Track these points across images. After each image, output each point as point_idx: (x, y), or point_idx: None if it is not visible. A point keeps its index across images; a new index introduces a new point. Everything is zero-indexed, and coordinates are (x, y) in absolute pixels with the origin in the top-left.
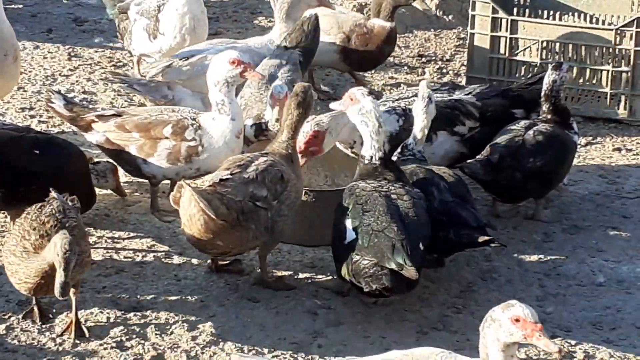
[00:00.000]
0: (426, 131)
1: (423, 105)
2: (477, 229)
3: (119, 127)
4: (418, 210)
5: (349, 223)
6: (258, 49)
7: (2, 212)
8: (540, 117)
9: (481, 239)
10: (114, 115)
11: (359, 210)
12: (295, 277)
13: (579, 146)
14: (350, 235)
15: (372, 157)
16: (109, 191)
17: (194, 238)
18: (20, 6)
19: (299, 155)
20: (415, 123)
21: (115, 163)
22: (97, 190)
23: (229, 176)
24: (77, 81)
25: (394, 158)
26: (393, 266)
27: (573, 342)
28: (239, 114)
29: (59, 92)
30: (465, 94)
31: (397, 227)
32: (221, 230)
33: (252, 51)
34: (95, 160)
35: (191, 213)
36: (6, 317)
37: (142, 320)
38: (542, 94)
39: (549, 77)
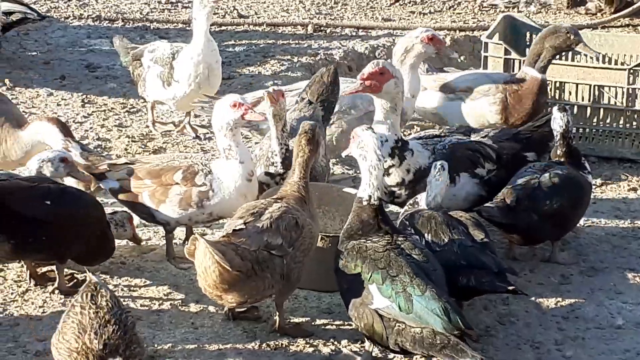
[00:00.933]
0: (439, 199)
1: (436, 172)
2: (498, 275)
3: (131, 174)
4: (432, 261)
5: (373, 288)
6: None
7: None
8: (554, 160)
9: (503, 287)
10: (126, 163)
11: (384, 275)
12: (313, 323)
13: (594, 186)
14: (380, 301)
15: (370, 197)
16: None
17: (210, 289)
18: (34, 53)
19: (358, 82)
20: (429, 190)
21: (130, 211)
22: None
23: (243, 226)
24: (91, 128)
25: (409, 205)
26: (454, 332)
27: None
28: (247, 157)
29: (76, 140)
30: (481, 137)
31: (433, 286)
32: (236, 281)
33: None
34: (112, 210)
35: (206, 265)
36: None
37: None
38: (558, 136)
39: (562, 119)
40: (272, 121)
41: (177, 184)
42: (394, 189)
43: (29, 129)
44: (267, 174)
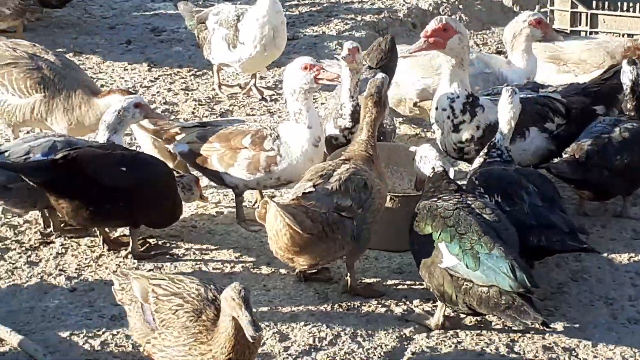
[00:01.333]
0: (513, 124)
1: (507, 96)
2: (569, 234)
3: (200, 138)
4: (503, 221)
5: (442, 246)
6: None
7: (92, 231)
8: (624, 114)
9: (575, 246)
10: (196, 126)
11: (453, 233)
12: (384, 283)
13: None
14: (448, 260)
15: (433, 168)
16: (195, 202)
17: (281, 252)
18: (99, 18)
19: (422, 40)
20: (501, 117)
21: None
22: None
23: (312, 189)
24: (158, 92)
25: (480, 159)
26: (519, 289)
27: None
28: (317, 122)
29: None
30: (550, 92)
31: (502, 243)
32: (308, 243)
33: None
34: (180, 173)
35: (277, 228)
36: (100, 332)
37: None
38: (627, 90)
39: (632, 72)
40: (347, 74)
41: (245, 148)
42: (462, 145)
43: (106, 98)
44: (335, 127)
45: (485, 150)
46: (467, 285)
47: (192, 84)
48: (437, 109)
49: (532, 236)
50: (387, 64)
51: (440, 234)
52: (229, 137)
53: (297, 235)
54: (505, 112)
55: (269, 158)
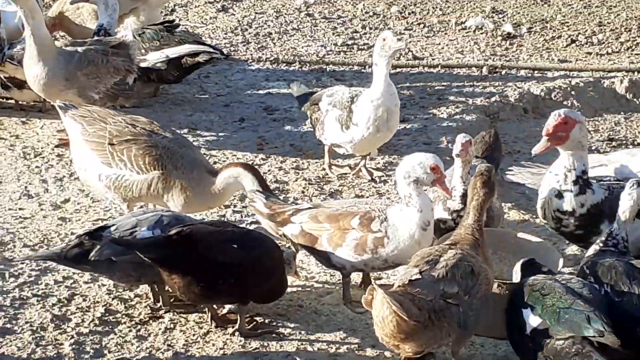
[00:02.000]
0: (629, 215)
1: (629, 187)
2: None
3: (312, 218)
4: (592, 290)
5: (527, 312)
6: None
7: (200, 307)
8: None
9: None
10: (309, 208)
11: (537, 296)
12: None
13: None
14: (531, 323)
15: None
16: (302, 281)
17: (387, 338)
18: (215, 95)
19: (544, 140)
20: (620, 206)
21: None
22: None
23: (419, 276)
24: (269, 170)
25: (596, 247)
26: (592, 333)
27: None
28: (428, 206)
29: (260, 191)
30: None
31: (583, 301)
32: (414, 331)
33: None
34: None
35: (384, 315)
36: None
37: None
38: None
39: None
40: (459, 164)
41: (353, 229)
42: (562, 216)
43: (222, 174)
44: (444, 209)
45: (602, 237)
46: (547, 342)
47: (302, 163)
48: (549, 172)
49: None
50: (492, 154)
51: (525, 301)
52: (338, 218)
53: (403, 322)
54: (625, 202)
55: (377, 240)
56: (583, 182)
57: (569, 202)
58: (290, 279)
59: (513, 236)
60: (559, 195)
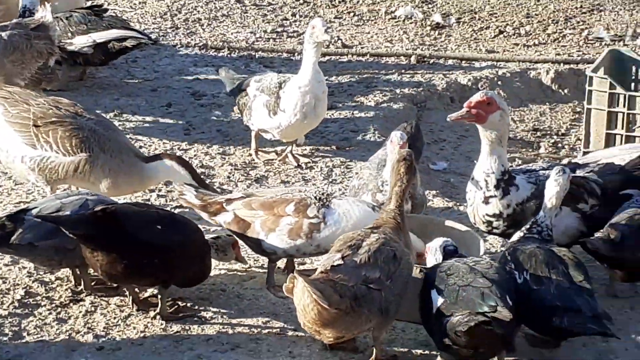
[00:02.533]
0: (555, 202)
1: (555, 174)
2: (592, 318)
3: (245, 205)
4: (498, 270)
5: (434, 293)
6: None
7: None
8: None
9: (595, 329)
10: (241, 197)
11: (443, 276)
12: (409, 355)
13: None
14: (436, 301)
15: None
16: (226, 266)
17: (309, 324)
18: (142, 80)
19: (464, 110)
20: (546, 194)
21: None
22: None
23: (341, 262)
24: (195, 155)
25: (520, 234)
26: (485, 309)
27: None
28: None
29: (189, 184)
30: (586, 173)
31: (482, 279)
32: (335, 318)
33: None
34: (216, 235)
35: (305, 303)
36: None
37: None
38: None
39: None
40: (392, 157)
41: (288, 215)
42: (491, 219)
43: (154, 163)
44: (373, 201)
45: (527, 225)
46: (447, 320)
47: (229, 149)
48: (472, 179)
49: (556, 317)
50: (414, 143)
51: (435, 282)
52: (272, 205)
53: (324, 310)
54: (551, 189)
55: (312, 225)
56: (505, 183)
57: (495, 206)
58: (215, 263)
59: (437, 223)
60: (485, 201)
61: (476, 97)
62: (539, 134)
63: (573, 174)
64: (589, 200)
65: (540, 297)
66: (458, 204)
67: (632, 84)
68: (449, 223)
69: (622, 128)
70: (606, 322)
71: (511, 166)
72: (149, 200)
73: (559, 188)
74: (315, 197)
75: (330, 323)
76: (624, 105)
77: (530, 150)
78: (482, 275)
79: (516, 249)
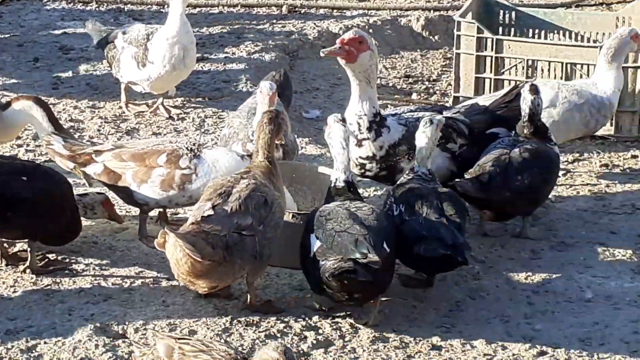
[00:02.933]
0: (425, 153)
1: (423, 125)
2: (450, 246)
3: (116, 156)
4: (379, 216)
5: (312, 236)
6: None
7: None
8: (522, 135)
9: (441, 252)
10: (111, 149)
11: (322, 220)
12: (284, 299)
13: (567, 163)
14: (314, 245)
15: (336, 180)
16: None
17: (183, 276)
18: (7, 35)
19: (337, 45)
20: (417, 144)
21: (107, 194)
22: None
23: (212, 212)
24: (64, 109)
25: (405, 177)
26: (357, 256)
27: (562, 359)
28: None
29: (56, 133)
30: (453, 114)
31: (359, 226)
32: (208, 269)
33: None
34: (83, 191)
35: (177, 257)
36: None
37: (131, 347)
38: (525, 118)
39: (532, 102)
40: (262, 109)
41: (160, 166)
42: (364, 161)
43: (10, 108)
44: (244, 151)
45: (406, 173)
46: (322, 264)
47: (98, 102)
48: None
49: (417, 245)
50: (283, 92)
51: (314, 225)
52: (143, 157)
53: (197, 263)
54: (420, 142)
55: (184, 176)
56: (377, 125)
57: (368, 149)
58: (86, 222)
59: (309, 168)
60: (358, 144)
61: (349, 34)
62: (410, 80)
63: (441, 115)
64: (458, 140)
65: (409, 227)
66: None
67: (500, 28)
68: (321, 169)
69: (491, 72)
70: (466, 252)
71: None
72: (16, 155)
73: (427, 139)
74: (187, 148)
75: (204, 274)
76: (492, 49)
77: (403, 97)
78: (360, 222)
79: (399, 185)
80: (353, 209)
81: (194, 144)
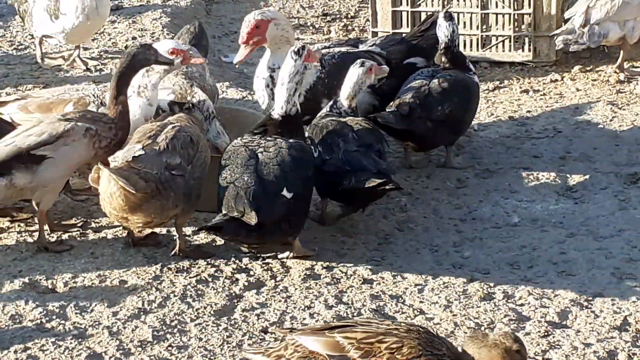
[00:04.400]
0: (350, 91)
1: (353, 66)
2: (376, 174)
3: (22, 109)
4: (284, 159)
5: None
6: None
7: None
8: (440, 66)
9: (371, 182)
10: (16, 99)
11: (223, 164)
12: (213, 244)
13: (487, 91)
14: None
15: (271, 111)
16: None
17: (115, 212)
18: None
19: (242, 48)
20: (345, 83)
21: None
22: None
23: (142, 152)
24: None
25: (322, 113)
26: (235, 214)
27: (492, 284)
28: (156, 101)
29: None
30: (369, 47)
31: (247, 176)
32: (142, 202)
33: None
34: None
35: (111, 191)
36: None
37: (61, 301)
38: (442, 46)
39: (447, 29)
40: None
41: None
42: None
43: None
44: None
45: (329, 104)
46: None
47: (13, 59)
48: (257, 77)
49: (345, 180)
50: (199, 42)
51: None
52: (50, 107)
53: (131, 195)
54: (349, 80)
55: None
56: None
57: None
58: None
59: (245, 113)
60: (274, 97)
61: (245, 29)
62: (328, 18)
63: (358, 49)
64: None
65: (331, 164)
66: (252, 93)
67: None
68: (255, 112)
69: (408, 5)
70: (392, 176)
71: None
72: None
73: (355, 79)
74: (94, 95)
75: (138, 207)
76: None
77: (322, 35)
78: (253, 170)
79: (313, 124)
80: (259, 151)
81: (100, 90)
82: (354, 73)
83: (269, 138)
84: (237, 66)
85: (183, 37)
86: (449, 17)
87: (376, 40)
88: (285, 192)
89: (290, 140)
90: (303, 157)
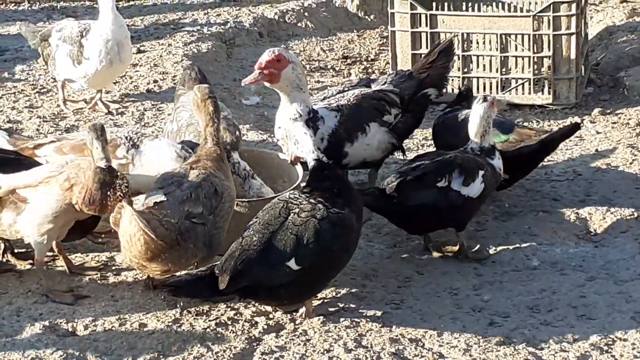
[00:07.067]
0: (477, 129)
1: (475, 103)
2: None
3: (57, 150)
4: (307, 228)
5: None
6: None
7: None
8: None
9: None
10: (52, 141)
11: (258, 214)
12: None
13: None
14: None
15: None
16: None
17: (135, 258)
18: None
19: (257, 72)
20: (470, 123)
21: None
22: None
23: (164, 198)
24: (1, 111)
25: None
26: (216, 271)
27: (512, 327)
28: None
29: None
30: (382, 85)
31: (258, 237)
32: (161, 250)
33: None
34: None
35: (131, 232)
36: None
37: (81, 344)
38: (476, 131)
39: (485, 113)
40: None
41: None
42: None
43: None
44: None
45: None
46: None
47: (36, 102)
48: (279, 128)
49: None
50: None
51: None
52: (83, 148)
53: (150, 240)
54: (474, 119)
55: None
56: (312, 121)
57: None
58: None
59: (275, 157)
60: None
61: (265, 57)
62: (349, 61)
63: (372, 90)
64: (392, 110)
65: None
66: (272, 135)
67: (433, 3)
68: (282, 156)
69: (427, 47)
70: None
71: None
72: None
73: (482, 114)
74: (126, 137)
75: (157, 256)
76: (427, 25)
77: (342, 78)
78: (270, 232)
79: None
80: (295, 210)
81: (135, 133)
82: (478, 109)
83: (313, 201)
84: (243, 85)
85: (187, 84)
86: (485, 99)
87: (387, 78)
88: (291, 263)
89: (332, 210)
90: (334, 232)
